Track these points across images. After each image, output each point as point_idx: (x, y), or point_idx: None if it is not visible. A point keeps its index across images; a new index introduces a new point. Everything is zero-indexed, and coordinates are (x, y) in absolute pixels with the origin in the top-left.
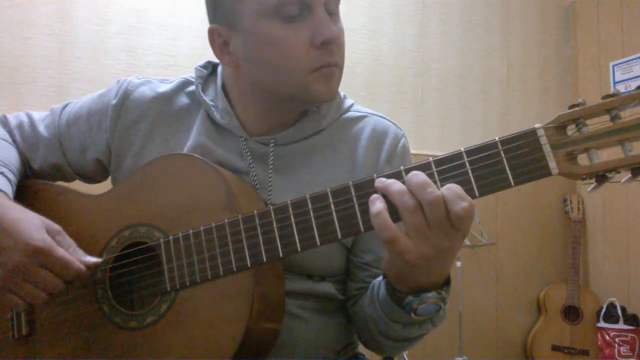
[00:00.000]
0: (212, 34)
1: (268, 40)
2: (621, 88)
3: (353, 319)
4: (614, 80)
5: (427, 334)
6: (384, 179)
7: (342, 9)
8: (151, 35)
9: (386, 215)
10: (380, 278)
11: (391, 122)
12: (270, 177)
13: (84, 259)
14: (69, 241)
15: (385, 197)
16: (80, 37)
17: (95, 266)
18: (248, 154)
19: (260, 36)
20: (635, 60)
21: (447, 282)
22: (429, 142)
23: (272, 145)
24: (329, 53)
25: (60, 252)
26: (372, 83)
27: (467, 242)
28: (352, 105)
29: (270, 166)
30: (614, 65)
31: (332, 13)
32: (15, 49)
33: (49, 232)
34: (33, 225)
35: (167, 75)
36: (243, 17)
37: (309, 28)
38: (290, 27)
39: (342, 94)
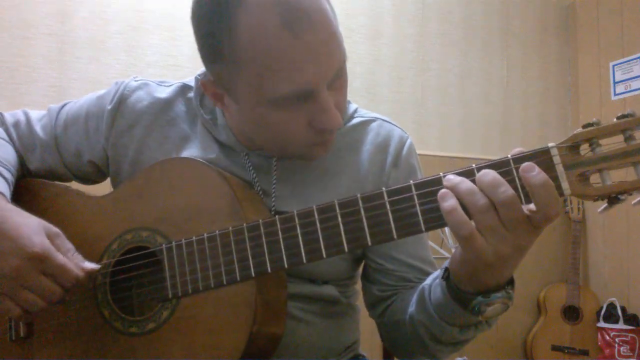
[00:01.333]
0: (204, 85)
1: (263, 122)
2: (621, 88)
3: (385, 328)
4: (614, 80)
5: (477, 335)
6: (451, 177)
7: (342, 8)
8: (151, 35)
9: (461, 210)
10: (430, 281)
11: (395, 125)
12: (274, 186)
13: (82, 265)
14: (68, 245)
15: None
16: (80, 37)
17: (94, 272)
18: (251, 168)
19: (255, 117)
20: (635, 60)
21: (511, 281)
22: (429, 142)
23: (274, 158)
24: (329, 132)
25: (60, 258)
26: (372, 83)
27: None
28: (355, 111)
29: (274, 175)
30: (614, 65)
31: (336, 79)
32: (15, 49)
33: (48, 235)
34: (32, 229)
35: (167, 76)
36: (237, 92)
37: (309, 111)
38: (288, 112)
39: None
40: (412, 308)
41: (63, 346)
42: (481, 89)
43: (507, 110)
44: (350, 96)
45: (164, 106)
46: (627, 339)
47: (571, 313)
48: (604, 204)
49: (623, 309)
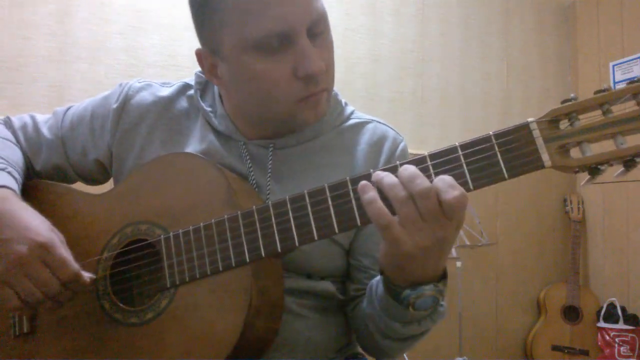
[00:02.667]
0: (199, 56)
1: (250, 74)
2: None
3: (353, 323)
4: (614, 80)
5: (428, 332)
6: (379, 172)
7: (342, 9)
8: (151, 35)
9: (379, 202)
10: (379, 277)
11: (391, 127)
12: (269, 180)
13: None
14: (68, 252)
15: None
16: (80, 37)
17: (90, 282)
18: (247, 157)
19: (242, 69)
20: (635, 60)
21: (444, 276)
22: (429, 142)
23: (270, 148)
24: (314, 83)
25: (62, 251)
26: (372, 83)
27: (466, 242)
28: (352, 113)
29: (269, 170)
30: (614, 65)
31: (318, 33)
32: (15, 49)
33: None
34: (40, 223)
35: (167, 76)
36: (224, 47)
37: (291, 60)
38: (272, 60)
39: (343, 101)
40: (364, 302)
41: (65, 340)
42: (481, 89)
43: (507, 110)
44: (350, 96)
45: (166, 103)
46: (627, 339)
47: (571, 313)
48: (587, 177)
49: (623, 309)
